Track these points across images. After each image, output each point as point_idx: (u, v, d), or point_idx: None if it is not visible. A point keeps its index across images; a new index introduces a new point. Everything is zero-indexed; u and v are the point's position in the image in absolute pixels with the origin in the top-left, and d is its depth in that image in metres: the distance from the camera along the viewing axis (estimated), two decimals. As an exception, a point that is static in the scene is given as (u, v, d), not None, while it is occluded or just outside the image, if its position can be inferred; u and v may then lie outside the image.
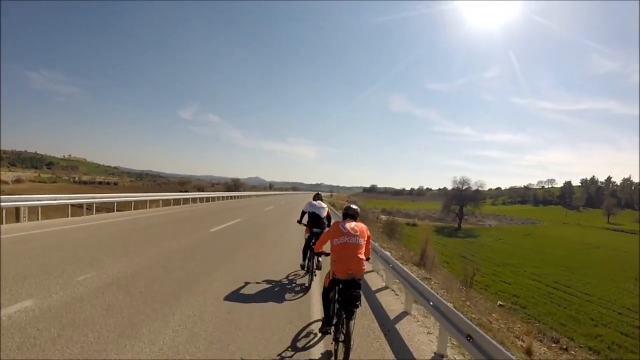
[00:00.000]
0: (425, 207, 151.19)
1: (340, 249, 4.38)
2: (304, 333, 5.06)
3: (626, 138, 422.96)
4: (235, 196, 48.37)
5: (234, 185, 79.99)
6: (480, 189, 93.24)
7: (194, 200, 32.50)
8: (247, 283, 7.31)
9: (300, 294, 6.90)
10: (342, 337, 4.03)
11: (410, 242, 52.16)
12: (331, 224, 5.35)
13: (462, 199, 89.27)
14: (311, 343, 4.78)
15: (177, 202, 28.40)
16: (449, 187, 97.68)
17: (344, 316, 4.04)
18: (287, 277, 8.05)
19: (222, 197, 42.64)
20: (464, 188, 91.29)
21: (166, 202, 26.63)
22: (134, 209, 21.01)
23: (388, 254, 8.94)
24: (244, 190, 70.54)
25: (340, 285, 4.25)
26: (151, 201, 23.71)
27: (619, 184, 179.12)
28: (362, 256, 4.40)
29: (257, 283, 7.38)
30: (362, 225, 4.73)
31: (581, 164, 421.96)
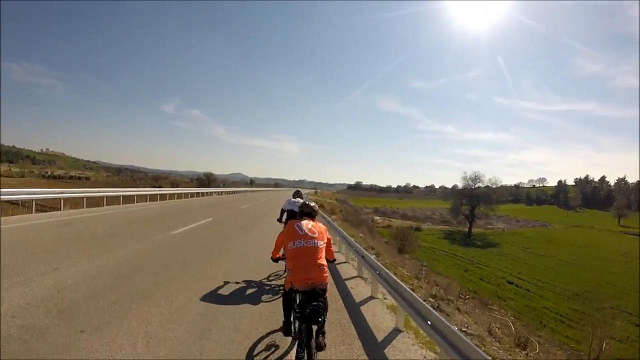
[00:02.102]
0: (418, 205, 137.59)
1: (296, 254, 3.54)
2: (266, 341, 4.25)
3: (606, 139, 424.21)
4: (210, 193, 39.88)
5: (207, 180, 67.84)
6: (494, 186, 78.86)
7: (171, 196, 27.76)
8: (226, 282, 6.47)
9: (278, 296, 5.85)
10: (304, 358, 3.22)
11: (435, 264, 37.70)
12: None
13: (473, 199, 74.55)
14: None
15: (153, 198, 24.54)
16: (459, 184, 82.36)
17: (304, 335, 3.28)
18: (267, 278, 7.08)
19: (200, 193, 35.81)
20: (475, 186, 76.59)
21: (141, 198, 22.93)
22: (91, 206, 17.21)
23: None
24: (224, 186, 60.91)
25: (299, 298, 3.50)
26: (115, 197, 19.83)
27: (612, 184, 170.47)
28: (323, 262, 3.55)
29: (236, 283, 6.53)
30: (321, 225, 3.87)
31: (562, 163, 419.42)
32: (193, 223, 13.68)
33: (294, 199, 7.38)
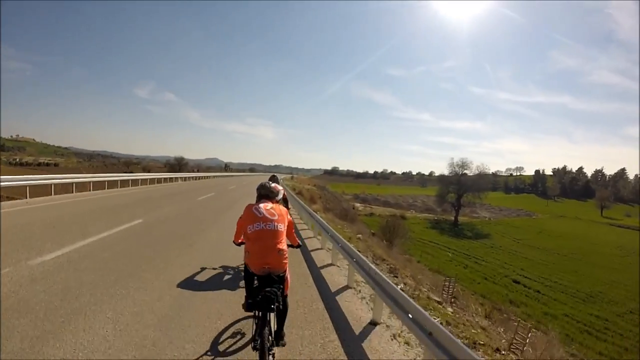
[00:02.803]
0: (397, 192, 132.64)
1: (254, 237, 3.26)
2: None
3: (580, 131, 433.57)
4: (175, 178, 34.32)
5: (178, 165, 61.40)
6: (484, 173, 74.17)
7: (142, 182, 23.97)
8: (203, 268, 5.97)
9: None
10: (258, 345, 2.94)
11: (429, 259, 32.88)
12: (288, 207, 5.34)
13: (461, 187, 69.67)
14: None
15: (124, 184, 20.93)
16: (445, 170, 76.60)
17: (259, 321, 3.01)
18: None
19: (170, 178, 32.11)
20: (462, 173, 71.71)
21: (111, 184, 19.66)
22: (55, 194, 14.39)
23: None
24: (198, 171, 57.35)
25: (256, 282, 3.30)
26: (84, 183, 17.17)
27: (589, 176, 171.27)
28: (282, 246, 3.26)
29: (213, 269, 5.98)
30: (282, 207, 3.56)
31: (536, 153, 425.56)
32: (103, 232, 7.81)
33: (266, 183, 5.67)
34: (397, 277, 10.55)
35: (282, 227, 3.32)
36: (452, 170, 73.14)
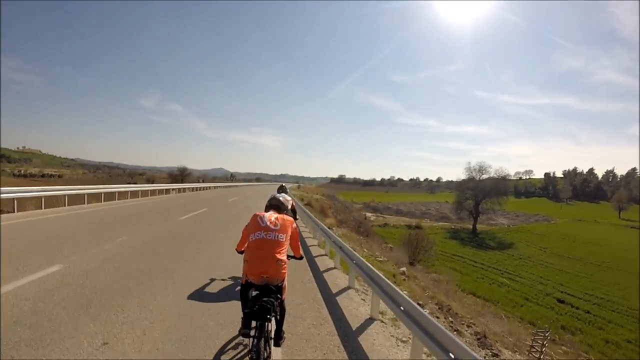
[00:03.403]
0: (406, 199, 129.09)
1: (254, 246, 3.28)
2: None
3: (585, 133, 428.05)
4: (185, 189, 32.99)
5: (181, 175, 58.20)
6: (502, 177, 70.32)
7: (133, 194, 21.39)
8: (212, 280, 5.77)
9: None
10: (253, 356, 2.95)
11: (459, 277, 30.01)
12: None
13: (479, 192, 66.04)
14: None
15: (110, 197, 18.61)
16: (462, 175, 72.80)
17: (256, 332, 2.99)
18: None
19: (177, 189, 30.66)
20: (481, 177, 68.01)
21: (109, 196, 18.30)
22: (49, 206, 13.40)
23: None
24: (204, 182, 55.38)
25: (253, 292, 3.24)
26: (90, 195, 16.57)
27: (600, 177, 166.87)
28: (282, 257, 3.24)
29: (222, 280, 5.77)
30: (287, 217, 3.55)
31: (542, 155, 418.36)
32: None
33: (278, 195, 5.85)
34: (490, 347, 7.50)
35: (284, 238, 3.34)
36: (469, 175, 69.03)
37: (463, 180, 71.02)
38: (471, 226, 65.89)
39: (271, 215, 3.43)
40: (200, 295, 5.09)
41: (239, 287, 4.32)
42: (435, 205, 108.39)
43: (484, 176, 67.89)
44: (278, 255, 3.18)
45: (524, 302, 28.28)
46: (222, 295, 5.10)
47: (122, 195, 19.71)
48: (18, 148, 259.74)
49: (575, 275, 38.08)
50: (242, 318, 3.36)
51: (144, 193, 23.17)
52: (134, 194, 21.46)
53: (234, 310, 4.43)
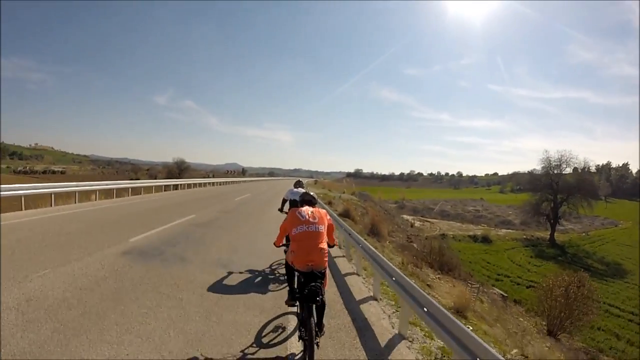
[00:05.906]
0: (434, 196, 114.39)
1: (299, 238, 3.66)
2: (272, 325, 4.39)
3: (600, 127, 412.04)
4: (188, 184, 29.14)
5: (178, 169, 50.77)
6: (588, 170, 56.41)
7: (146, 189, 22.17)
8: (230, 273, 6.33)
9: (284, 285, 5.61)
10: (305, 335, 3.37)
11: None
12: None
13: (560, 192, 51.98)
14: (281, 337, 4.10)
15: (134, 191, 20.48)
16: (537, 167, 58.13)
17: (305, 313, 3.41)
18: (270, 267, 6.97)
19: (187, 185, 28.62)
20: (561, 172, 53.03)
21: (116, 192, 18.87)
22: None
23: None
24: (214, 177, 52.72)
25: (301, 278, 3.61)
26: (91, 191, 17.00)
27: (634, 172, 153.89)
28: (324, 246, 3.67)
29: (240, 273, 6.40)
30: (322, 210, 3.97)
31: (556, 151, 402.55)
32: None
33: (295, 189, 7.27)
34: None
35: (323, 229, 3.70)
36: (546, 169, 54.03)
37: (538, 175, 56.65)
38: (543, 234, 53.44)
39: (307, 210, 3.83)
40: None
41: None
42: (472, 204, 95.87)
43: (568, 169, 53.46)
44: (321, 245, 3.60)
45: None
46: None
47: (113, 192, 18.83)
48: (30, 145, 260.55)
49: None
50: (288, 290, 4.18)
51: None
52: (123, 191, 20.04)
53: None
